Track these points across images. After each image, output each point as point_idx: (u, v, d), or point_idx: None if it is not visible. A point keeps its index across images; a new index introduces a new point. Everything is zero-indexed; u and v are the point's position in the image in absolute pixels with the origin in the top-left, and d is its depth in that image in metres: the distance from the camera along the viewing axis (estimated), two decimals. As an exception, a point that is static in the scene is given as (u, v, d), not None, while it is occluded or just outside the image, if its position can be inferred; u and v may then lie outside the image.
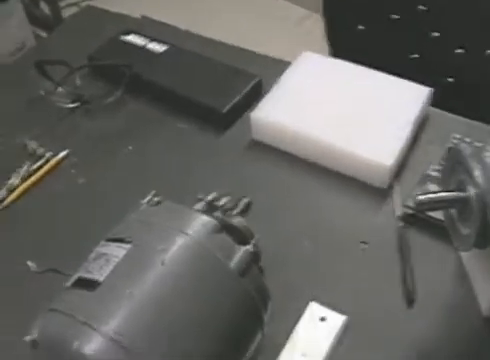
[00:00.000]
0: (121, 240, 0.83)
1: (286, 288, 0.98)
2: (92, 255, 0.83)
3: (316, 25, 1.89)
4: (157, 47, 1.45)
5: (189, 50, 1.43)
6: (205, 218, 0.84)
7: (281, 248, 1.05)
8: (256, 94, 1.33)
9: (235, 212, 1.08)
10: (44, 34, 2.80)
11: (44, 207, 1.21)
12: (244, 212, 1.10)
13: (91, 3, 1.71)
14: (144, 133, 1.32)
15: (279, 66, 1.37)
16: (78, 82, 1.38)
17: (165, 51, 1.43)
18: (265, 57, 1.45)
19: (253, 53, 1.46)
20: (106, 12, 1.65)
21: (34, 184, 1.26)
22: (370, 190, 1.15)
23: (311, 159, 1.21)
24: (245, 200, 1.11)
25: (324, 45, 1.76)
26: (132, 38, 1.48)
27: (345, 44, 1.79)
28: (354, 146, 1.16)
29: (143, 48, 1.45)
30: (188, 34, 1.55)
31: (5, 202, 1.23)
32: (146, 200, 0.96)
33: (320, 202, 1.15)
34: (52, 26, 2.76)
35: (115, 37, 1.48)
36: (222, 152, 1.26)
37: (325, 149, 1.18)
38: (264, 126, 1.24)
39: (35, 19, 2.81)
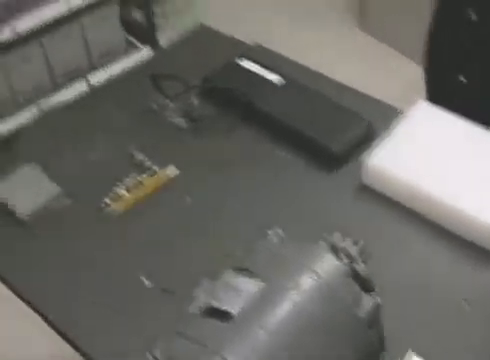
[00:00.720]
0: (250, 272, 0.83)
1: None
2: (219, 284, 0.84)
3: (416, 74, 1.89)
4: (271, 77, 1.46)
5: (303, 84, 1.44)
6: (336, 261, 0.85)
7: (384, 298, 1.05)
8: (367, 138, 1.33)
9: (357, 257, 1.08)
10: (136, 42, 2.83)
11: (150, 222, 1.23)
12: (365, 259, 1.09)
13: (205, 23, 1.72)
14: (253, 161, 1.33)
15: (388, 111, 1.38)
16: (194, 101, 1.40)
17: (279, 82, 1.44)
18: (375, 101, 1.45)
19: (363, 95, 1.46)
20: (220, 34, 1.66)
21: (141, 197, 1.27)
22: (477, 249, 1.14)
23: (420, 212, 1.20)
24: (364, 247, 1.11)
25: (422, 94, 1.76)
26: (247, 64, 1.49)
27: (445, 96, 1.78)
28: (464, 204, 1.15)
29: (258, 76, 1.46)
30: (300, 67, 1.55)
31: (109, 209, 1.25)
32: (271, 232, 0.96)
33: (424, 255, 1.15)
34: (145, 35, 2.80)
35: (231, 61, 1.50)
36: (329, 192, 1.27)
37: (435, 204, 1.18)
38: (376, 173, 1.24)
39: (128, 25, 2.84)
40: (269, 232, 0.96)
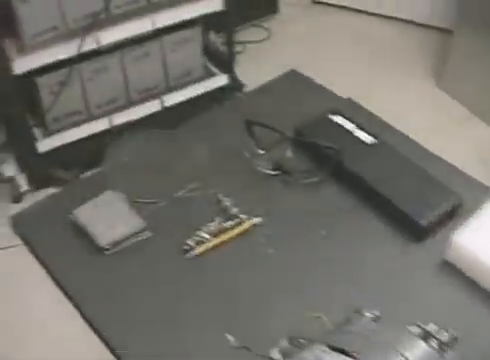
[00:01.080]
0: (344, 352, 0.83)
1: None
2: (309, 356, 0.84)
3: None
4: (363, 136, 1.45)
5: (393, 146, 1.43)
6: (427, 348, 0.84)
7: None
8: (455, 213, 1.32)
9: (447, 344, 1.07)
10: (214, 68, 2.84)
11: (230, 269, 1.23)
12: (453, 345, 1.08)
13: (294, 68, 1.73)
14: (339, 221, 1.33)
15: (477, 188, 1.37)
16: (285, 153, 1.40)
17: (370, 141, 1.44)
18: (465, 175, 1.44)
19: (453, 167, 1.46)
20: (310, 81, 1.67)
21: (223, 243, 1.27)
22: None
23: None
24: (453, 334, 1.10)
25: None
26: (340, 120, 1.49)
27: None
28: None
29: (349, 133, 1.46)
30: (391, 128, 1.55)
31: (193, 253, 1.25)
32: (365, 313, 0.96)
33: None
34: (224, 63, 2.82)
35: (323, 115, 1.50)
36: (415, 264, 1.26)
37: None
38: (462, 251, 1.23)
39: (207, 51, 2.86)
40: (361, 312, 0.95)
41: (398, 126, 1.54)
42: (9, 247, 2.28)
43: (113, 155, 1.46)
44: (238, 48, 3.11)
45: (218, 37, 3.05)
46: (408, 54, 3.46)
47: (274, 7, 3.66)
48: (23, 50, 2.40)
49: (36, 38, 2.42)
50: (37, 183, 2.68)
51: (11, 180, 2.68)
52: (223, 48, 2.91)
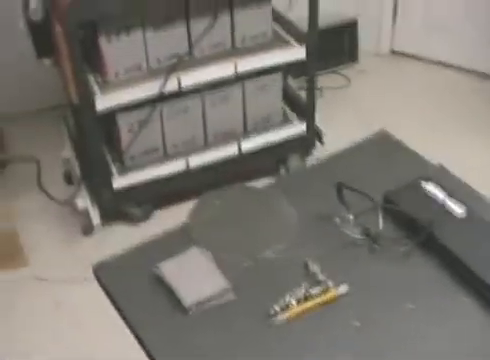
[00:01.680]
0: None
1: None
2: None
3: None
4: (454, 206, 1.41)
5: (486, 220, 1.39)
6: None
7: None
8: None
9: None
10: (293, 115, 2.84)
11: (314, 338, 1.20)
12: None
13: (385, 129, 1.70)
14: (426, 294, 1.29)
15: None
16: (375, 220, 1.37)
17: (463, 213, 1.40)
18: None
19: None
20: (400, 145, 1.64)
21: (308, 309, 1.24)
22: None
23: None
24: None
25: None
26: (431, 188, 1.45)
27: None
28: None
29: (441, 203, 1.42)
30: (481, 198, 1.51)
31: (277, 319, 1.23)
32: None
33: None
34: (303, 109, 2.81)
35: (414, 182, 1.46)
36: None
37: None
38: None
39: (285, 96, 2.86)
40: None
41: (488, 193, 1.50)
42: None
43: (199, 209, 1.45)
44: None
45: (296, 81, 3.05)
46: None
47: (354, 56, 3.66)
48: (106, 87, 2.44)
49: (120, 76, 2.45)
50: (109, 217, 2.71)
51: (83, 212, 2.71)
52: (301, 93, 2.90)
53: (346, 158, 1.62)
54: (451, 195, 1.45)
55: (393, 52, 3.86)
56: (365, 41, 3.76)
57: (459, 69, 3.65)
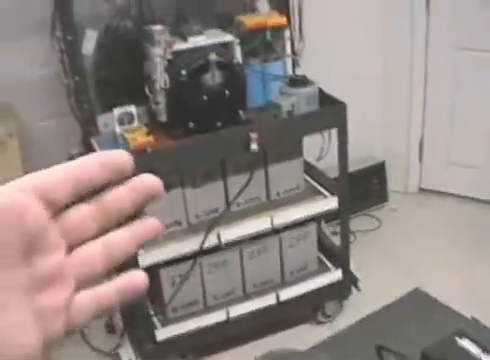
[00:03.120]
0: None
1: None
2: None
3: None
4: (489, 361, 1.47)
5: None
6: None
7: None
8: None
9: None
10: (328, 262, 2.92)
11: None
12: None
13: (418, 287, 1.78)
14: None
15: None
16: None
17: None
18: None
19: None
20: (434, 302, 1.71)
21: None
22: None
23: None
24: None
25: None
26: (466, 343, 1.51)
27: None
28: None
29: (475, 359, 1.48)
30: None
31: None
32: None
33: None
34: (338, 256, 2.90)
35: (449, 338, 1.53)
36: None
37: None
38: None
39: (319, 242, 2.95)
40: None
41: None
42: None
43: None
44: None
45: (328, 224, 3.15)
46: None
47: (384, 196, 3.77)
48: (148, 244, 2.53)
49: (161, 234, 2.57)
50: (152, 369, 2.75)
51: (127, 364, 2.76)
52: (334, 239, 3.00)
53: (384, 317, 1.69)
54: (486, 350, 1.51)
55: (421, 189, 3.98)
56: (394, 181, 3.89)
57: (486, 203, 3.75)
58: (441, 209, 3.77)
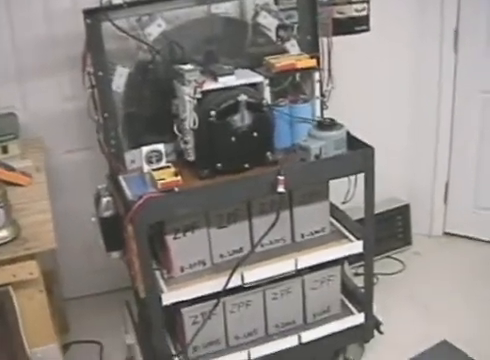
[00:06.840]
0: None
1: None
2: None
3: None
4: None
5: None
6: None
7: None
8: None
9: None
10: (351, 306, 2.89)
11: None
12: None
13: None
14: None
15: None
16: None
17: None
18: None
19: None
20: (460, 353, 1.70)
21: None
22: None
23: None
24: None
25: None
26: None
27: None
28: None
29: None
30: None
31: None
32: None
33: None
34: (361, 302, 2.87)
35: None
36: None
37: None
38: None
39: (343, 285, 2.93)
40: None
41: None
42: None
43: None
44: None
45: (351, 267, 3.14)
46: None
47: (408, 239, 3.75)
48: (172, 283, 2.54)
49: (185, 271, 2.57)
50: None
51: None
52: (357, 280, 2.98)
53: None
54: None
55: (445, 233, 3.96)
56: (418, 224, 3.87)
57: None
58: (466, 253, 3.74)
